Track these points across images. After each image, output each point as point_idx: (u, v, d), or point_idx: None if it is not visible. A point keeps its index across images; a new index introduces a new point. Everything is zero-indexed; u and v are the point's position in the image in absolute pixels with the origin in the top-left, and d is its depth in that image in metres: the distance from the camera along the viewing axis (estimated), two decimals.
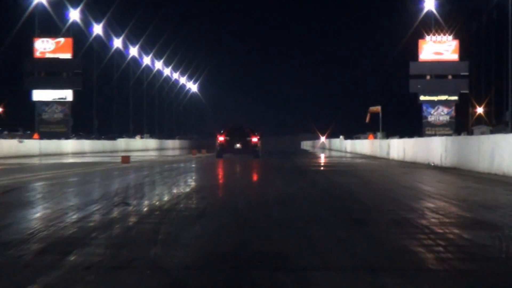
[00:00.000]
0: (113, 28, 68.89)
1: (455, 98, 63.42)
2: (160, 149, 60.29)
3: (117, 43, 71.39)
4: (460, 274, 4.61)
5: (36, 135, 47.19)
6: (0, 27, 65.33)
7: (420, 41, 63.19)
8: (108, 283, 4.37)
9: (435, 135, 56.38)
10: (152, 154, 39.42)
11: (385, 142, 30.97)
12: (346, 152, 46.71)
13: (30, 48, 61.71)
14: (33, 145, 34.66)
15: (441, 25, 62.84)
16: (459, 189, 11.78)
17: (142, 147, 55.34)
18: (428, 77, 63.35)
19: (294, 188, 11.89)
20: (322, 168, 21.52)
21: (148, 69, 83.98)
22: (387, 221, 7.09)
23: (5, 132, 58.95)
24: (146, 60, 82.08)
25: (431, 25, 63.02)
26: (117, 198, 9.56)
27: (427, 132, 61.68)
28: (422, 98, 63.39)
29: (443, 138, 20.85)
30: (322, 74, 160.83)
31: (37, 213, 7.90)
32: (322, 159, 31.85)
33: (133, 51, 76.12)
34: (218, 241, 5.86)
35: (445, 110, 63.52)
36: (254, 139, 30.18)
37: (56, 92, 61.78)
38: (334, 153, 45.38)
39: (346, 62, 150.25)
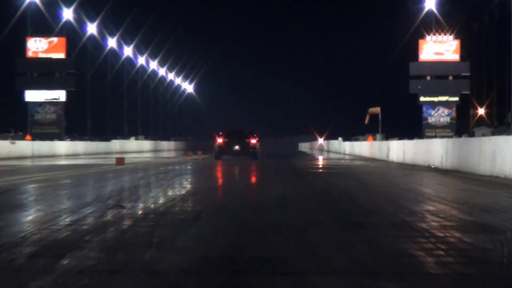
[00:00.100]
0: (107, 28, 68.42)
1: (456, 99, 63.22)
2: (155, 150, 60.11)
3: (111, 42, 70.74)
4: (461, 278, 4.57)
5: (28, 136, 46.90)
6: None
7: (421, 41, 62.92)
8: (102, 287, 4.32)
9: (435, 136, 56.37)
10: (147, 156, 39.30)
11: (384, 144, 30.91)
12: (344, 154, 46.67)
13: (23, 48, 61.06)
14: (25, 146, 34.38)
15: (441, 24, 62.66)
16: (460, 191, 11.72)
17: (136, 148, 55.14)
18: (428, 77, 63.17)
19: (292, 191, 11.82)
20: (320, 170, 21.49)
21: (143, 69, 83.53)
22: (386, 224, 7.04)
23: None
24: (141, 60, 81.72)
25: (431, 24, 62.78)
26: (111, 200, 9.48)
27: (427, 134, 61.50)
28: (422, 99, 63.16)
29: (444, 139, 20.78)
30: (321, 74, 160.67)
31: (30, 216, 7.83)
32: (321, 161, 31.82)
33: (128, 51, 75.63)
34: (215, 244, 5.81)
35: (446, 111, 63.38)
36: (253, 141, 30.16)
37: (49, 92, 61.31)
38: (332, 155, 45.33)
39: (345, 62, 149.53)
